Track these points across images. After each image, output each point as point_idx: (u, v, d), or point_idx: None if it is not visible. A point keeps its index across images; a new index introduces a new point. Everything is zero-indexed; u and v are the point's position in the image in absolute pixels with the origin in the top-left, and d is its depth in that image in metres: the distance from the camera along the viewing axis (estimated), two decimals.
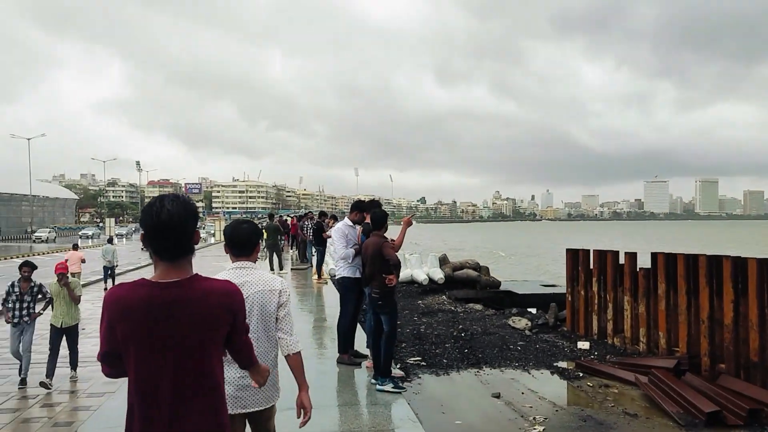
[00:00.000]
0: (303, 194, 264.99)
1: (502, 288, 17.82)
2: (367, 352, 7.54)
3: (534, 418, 6.94)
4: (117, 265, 20.12)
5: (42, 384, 7.50)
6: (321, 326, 10.18)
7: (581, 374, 8.83)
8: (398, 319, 12.64)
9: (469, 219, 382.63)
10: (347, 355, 7.49)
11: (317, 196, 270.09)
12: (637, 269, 9.81)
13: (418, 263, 16.54)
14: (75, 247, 19.11)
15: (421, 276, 16.04)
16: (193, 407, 2.07)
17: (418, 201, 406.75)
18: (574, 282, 11.44)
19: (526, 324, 11.84)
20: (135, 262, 29.66)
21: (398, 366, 8.78)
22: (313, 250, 17.76)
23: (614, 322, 10.31)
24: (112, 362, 2.13)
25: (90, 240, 58.23)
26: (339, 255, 7.22)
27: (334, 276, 8.28)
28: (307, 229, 19.45)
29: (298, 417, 3.03)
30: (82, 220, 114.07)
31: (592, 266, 10.92)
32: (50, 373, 7.61)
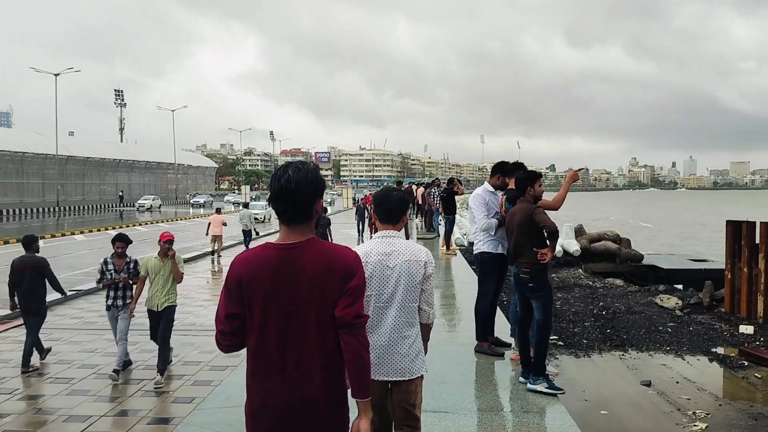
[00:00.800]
0: (428, 162, 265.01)
1: (644, 262, 16.47)
2: (510, 340, 6.25)
3: (694, 413, 6.14)
4: (255, 229, 20.03)
5: (112, 375, 6.33)
6: (451, 305, 9.08)
7: (746, 363, 7.77)
8: None
9: (603, 187, 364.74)
10: (487, 342, 6.16)
11: (442, 164, 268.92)
12: None
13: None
14: (218, 211, 19.40)
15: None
16: (312, 372, 2.08)
17: (547, 168, 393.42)
18: (735, 258, 10.16)
19: (677, 303, 10.73)
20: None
21: None
22: (440, 218, 17.36)
23: None
24: (233, 327, 2.14)
25: (202, 208, 55.78)
26: (479, 226, 5.95)
27: (472, 248, 7.05)
28: (434, 197, 19.05)
29: None
30: (221, 187, 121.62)
31: (758, 241, 9.59)
32: (162, 368, 6.35)
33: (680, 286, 14.68)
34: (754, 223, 9.92)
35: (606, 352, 8.25)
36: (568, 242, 15.48)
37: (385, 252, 2.99)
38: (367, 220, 20.84)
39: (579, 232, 16.61)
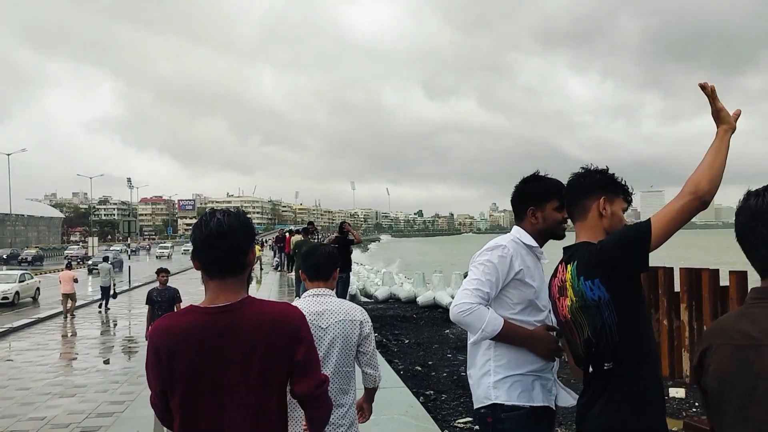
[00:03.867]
0: (299, 209, 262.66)
1: None
2: None
3: None
4: (114, 284, 19.18)
5: None
6: None
7: None
8: (428, 356, 10.37)
9: (467, 231, 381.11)
10: None
11: (314, 210, 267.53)
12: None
13: (441, 284, 14.19)
14: (69, 267, 18.41)
15: (445, 299, 13.71)
16: None
17: (415, 214, 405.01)
18: (651, 309, 9.10)
19: None
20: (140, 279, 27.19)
21: None
22: None
23: None
24: (164, 406, 1.83)
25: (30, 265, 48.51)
26: (475, 336, 2.50)
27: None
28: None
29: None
30: (72, 239, 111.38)
31: (679, 289, 8.60)
32: None
33: None
34: (671, 269, 8.96)
35: None
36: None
37: (316, 311, 2.75)
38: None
39: None
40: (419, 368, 9.04)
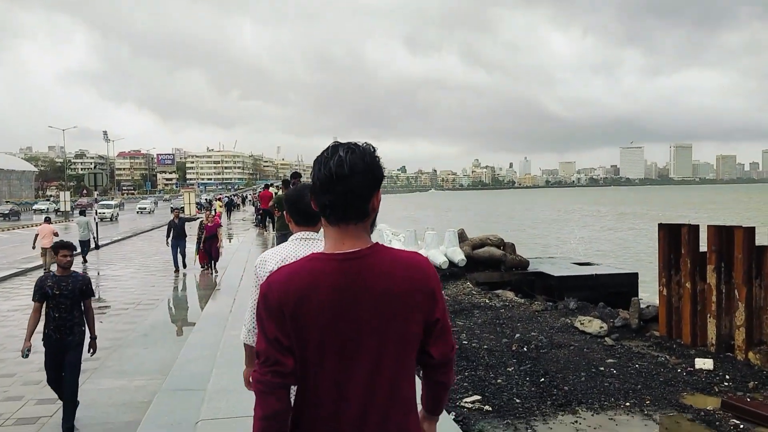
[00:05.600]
0: (281, 164, 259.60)
1: (530, 269, 14.67)
2: None
3: None
4: (94, 237, 19.84)
5: None
6: None
7: (739, 423, 5.67)
8: None
9: (449, 187, 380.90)
10: None
11: (296, 165, 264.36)
12: None
13: (435, 242, 13.24)
14: (47, 220, 17.90)
15: (439, 258, 12.79)
16: (389, 425, 1.58)
17: (398, 170, 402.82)
18: (671, 270, 8.26)
19: (601, 327, 8.67)
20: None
21: (452, 415, 5.58)
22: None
23: (747, 329, 7.17)
24: (283, 362, 1.55)
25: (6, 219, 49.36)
26: None
27: None
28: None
29: None
30: (48, 194, 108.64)
31: (707, 249, 7.73)
32: None
33: (569, 298, 13.08)
34: (697, 227, 8.07)
35: (552, 418, 5.79)
36: (452, 250, 13.20)
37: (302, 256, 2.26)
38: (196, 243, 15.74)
39: (461, 237, 14.42)
40: None
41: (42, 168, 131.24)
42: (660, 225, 8.53)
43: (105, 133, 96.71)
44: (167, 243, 16.06)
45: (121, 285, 14.64)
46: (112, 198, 72.33)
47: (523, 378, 6.76)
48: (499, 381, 6.67)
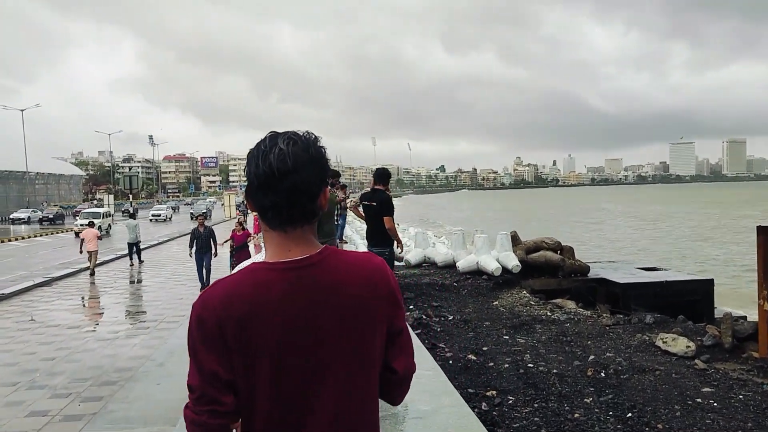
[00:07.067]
0: None
1: (591, 275, 13.47)
2: None
3: None
4: (140, 241, 20.16)
5: None
6: None
7: None
8: (481, 339, 8.48)
9: (491, 186, 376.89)
10: None
11: (335, 167, 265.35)
12: None
13: (486, 246, 12.17)
14: (91, 225, 18.76)
15: (491, 264, 11.72)
16: None
17: (437, 169, 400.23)
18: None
19: (687, 346, 7.50)
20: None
21: None
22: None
23: None
24: (229, 401, 1.33)
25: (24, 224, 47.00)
26: None
27: None
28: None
29: None
30: (97, 197, 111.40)
31: None
32: None
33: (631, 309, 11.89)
34: None
35: None
36: (505, 255, 12.12)
37: None
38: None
39: (514, 240, 13.32)
40: (473, 357, 7.13)
41: (91, 172, 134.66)
42: (759, 228, 7.32)
43: (151, 137, 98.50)
44: (190, 255, 14.38)
45: (148, 296, 14.12)
46: (158, 201, 73.01)
47: (605, 412, 5.68)
48: (576, 416, 5.61)
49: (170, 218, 51.08)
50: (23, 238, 33.06)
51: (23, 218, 49.35)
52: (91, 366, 8.14)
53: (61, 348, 9.16)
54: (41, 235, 35.59)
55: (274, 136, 1.39)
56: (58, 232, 37.85)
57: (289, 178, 1.34)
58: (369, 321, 1.39)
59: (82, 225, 31.03)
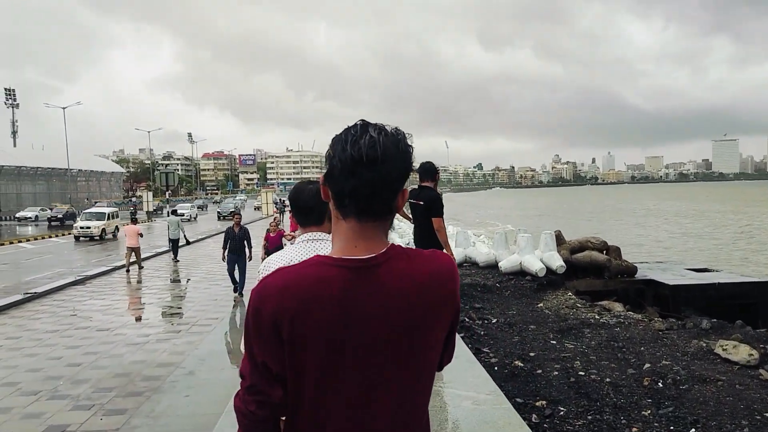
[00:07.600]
0: None
1: (638, 276, 12.95)
2: None
3: None
4: (179, 238, 19.96)
5: None
6: None
7: None
8: (527, 344, 8.11)
9: (528, 184, 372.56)
10: None
11: None
12: None
13: (530, 246, 11.77)
14: (134, 221, 18.77)
15: (535, 264, 11.32)
16: None
17: (474, 167, 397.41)
18: None
19: (750, 354, 7.02)
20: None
21: None
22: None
23: None
24: (277, 394, 1.31)
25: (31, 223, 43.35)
26: None
27: None
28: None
29: None
30: (137, 194, 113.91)
31: None
32: None
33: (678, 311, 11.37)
34: None
35: None
36: (549, 255, 11.70)
37: None
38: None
39: (558, 239, 12.87)
40: (519, 363, 6.79)
41: (132, 169, 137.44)
42: None
43: (189, 135, 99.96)
44: (223, 258, 13.20)
45: (181, 296, 14.11)
46: (196, 198, 73.80)
47: (666, 426, 5.29)
48: (634, 430, 5.23)
49: (195, 218, 46.77)
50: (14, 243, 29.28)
51: (30, 217, 44.54)
52: (118, 374, 7.86)
53: (88, 353, 8.95)
54: (26, 242, 30.24)
55: (365, 125, 1.32)
56: (65, 234, 33.62)
57: (375, 166, 1.27)
58: (432, 328, 1.33)
59: (82, 227, 29.18)
